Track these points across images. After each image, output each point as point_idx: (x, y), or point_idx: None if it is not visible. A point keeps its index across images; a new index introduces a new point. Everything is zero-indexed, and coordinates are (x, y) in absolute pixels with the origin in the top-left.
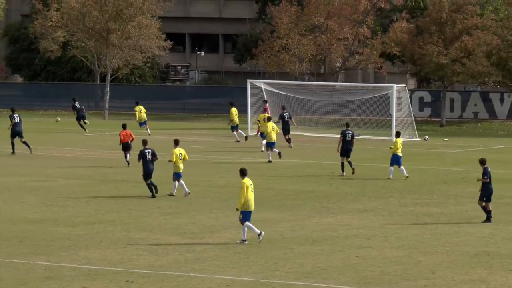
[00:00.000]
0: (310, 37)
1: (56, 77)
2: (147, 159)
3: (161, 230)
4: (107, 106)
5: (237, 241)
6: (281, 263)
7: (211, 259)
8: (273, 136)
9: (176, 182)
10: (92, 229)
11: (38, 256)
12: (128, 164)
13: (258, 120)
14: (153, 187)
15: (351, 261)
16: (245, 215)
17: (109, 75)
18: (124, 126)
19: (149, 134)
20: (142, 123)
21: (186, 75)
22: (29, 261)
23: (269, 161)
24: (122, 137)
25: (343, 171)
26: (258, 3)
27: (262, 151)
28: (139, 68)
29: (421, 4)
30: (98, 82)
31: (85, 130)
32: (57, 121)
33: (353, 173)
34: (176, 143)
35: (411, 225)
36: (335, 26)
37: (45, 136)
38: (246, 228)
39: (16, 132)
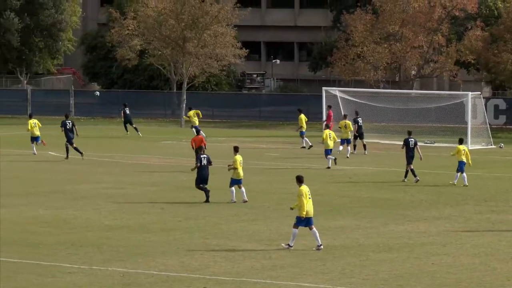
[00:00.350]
0: (385, 45)
1: (133, 85)
2: (202, 164)
3: (238, 237)
4: (183, 114)
5: (283, 244)
6: (357, 270)
7: (287, 266)
8: (330, 144)
9: (243, 188)
10: (168, 236)
11: (116, 262)
12: None
13: (339, 127)
14: (205, 192)
15: (427, 268)
16: (300, 221)
17: (186, 83)
18: (198, 132)
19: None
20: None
21: (262, 83)
22: (107, 267)
23: (328, 167)
24: (193, 144)
25: (415, 176)
26: (333, 11)
27: (347, 157)
28: (216, 76)
29: (496, 12)
30: (175, 90)
31: (127, 132)
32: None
33: (404, 180)
34: (236, 150)
35: (487, 232)
36: (410, 34)
37: (122, 143)
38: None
39: (68, 137)
